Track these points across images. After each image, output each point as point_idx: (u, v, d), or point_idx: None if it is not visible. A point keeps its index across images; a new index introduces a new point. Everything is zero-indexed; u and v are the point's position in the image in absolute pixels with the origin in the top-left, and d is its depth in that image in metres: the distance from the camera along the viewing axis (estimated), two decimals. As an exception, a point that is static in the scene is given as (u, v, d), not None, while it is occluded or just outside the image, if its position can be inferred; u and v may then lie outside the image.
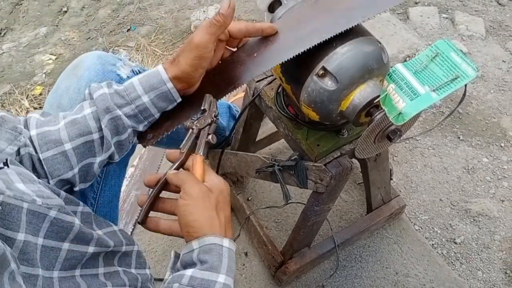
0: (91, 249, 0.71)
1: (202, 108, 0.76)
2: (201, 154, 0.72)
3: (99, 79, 0.84)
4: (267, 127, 1.42)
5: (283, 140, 1.49)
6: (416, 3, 2.31)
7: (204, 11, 2.19)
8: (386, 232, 1.30)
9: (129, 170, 1.47)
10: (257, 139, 1.34)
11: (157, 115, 0.77)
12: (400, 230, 1.30)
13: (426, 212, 1.39)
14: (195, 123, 0.76)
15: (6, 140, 0.47)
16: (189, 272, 0.60)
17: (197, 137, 0.75)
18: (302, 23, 0.79)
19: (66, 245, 0.66)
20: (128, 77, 0.89)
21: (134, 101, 0.74)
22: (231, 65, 0.83)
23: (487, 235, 1.36)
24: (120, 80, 0.88)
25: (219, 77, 0.82)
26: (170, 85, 0.74)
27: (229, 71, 0.82)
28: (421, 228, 1.35)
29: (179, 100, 0.77)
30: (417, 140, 1.58)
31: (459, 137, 1.60)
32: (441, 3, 2.26)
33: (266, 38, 0.81)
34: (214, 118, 0.76)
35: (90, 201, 0.83)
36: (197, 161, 0.71)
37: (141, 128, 0.77)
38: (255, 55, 0.80)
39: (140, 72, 0.94)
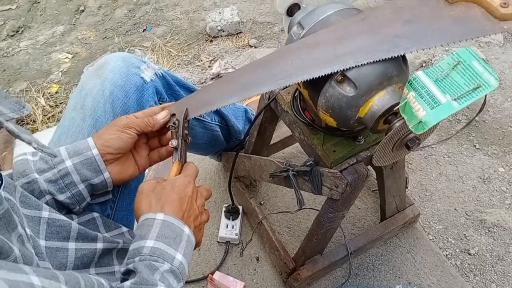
0: (100, 245, 0.72)
1: (176, 118, 0.80)
2: (174, 160, 0.77)
3: (123, 81, 0.85)
4: (281, 130, 1.42)
5: (297, 144, 1.48)
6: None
7: (219, 13, 2.19)
8: (400, 241, 1.28)
9: (142, 171, 1.48)
10: (271, 143, 1.33)
11: (80, 186, 0.73)
12: (413, 239, 1.29)
13: (440, 222, 1.37)
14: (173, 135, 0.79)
15: (9, 108, 0.48)
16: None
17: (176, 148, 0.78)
18: (344, 40, 0.77)
19: (72, 244, 0.68)
20: (151, 80, 0.90)
21: (57, 166, 0.72)
22: (259, 69, 0.82)
23: (502, 246, 1.33)
24: (144, 84, 0.88)
25: (245, 80, 0.82)
26: (95, 151, 0.73)
27: (256, 75, 0.81)
28: (435, 238, 1.33)
29: (106, 173, 0.74)
30: (433, 147, 1.56)
31: (475, 146, 1.57)
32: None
33: (304, 46, 0.79)
34: (186, 129, 0.80)
35: (109, 204, 0.83)
36: (172, 166, 0.77)
37: (61, 197, 0.72)
38: (289, 63, 0.79)
39: (163, 76, 0.95)
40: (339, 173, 0.91)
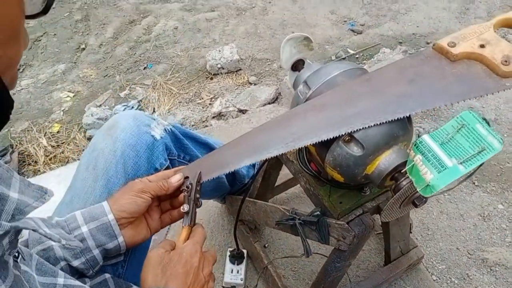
0: None
1: (189, 182, 0.80)
2: (184, 225, 0.77)
3: (134, 141, 0.87)
4: (283, 173, 1.44)
5: (299, 185, 1.50)
6: (427, 43, 2.35)
7: (219, 51, 2.23)
8: (404, 282, 1.30)
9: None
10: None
11: (95, 252, 0.74)
12: (417, 280, 1.30)
13: (443, 261, 1.39)
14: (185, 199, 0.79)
15: (33, 197, 0.49)
16: None
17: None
18: (351, 102, 0.79)
19: None
20: (161, 137, 0.92)
21: (73, 231, 0.73)
22: (268, 132, 0.84)
23: (504, 285, 1.35)
24: (154, 142, 0.90)
25: (256, 142, 0.84)
26: (111, 216, 0.74)
27: (266, 138, 0.83)
28: (439, 278, 1.35)
29: (120, 237, 0.76)
30: (432, 185, 1.59)
31: (474, 183, 1.60)
32: (452, 44, 2.29)
33: (311, 108, 0.82)
34: (198, 193, 0.80)
35: (120, 263, 0.84)
36: (182, 231, 0.77)
37: (76, 263, 0.73)
38: (297, 125, 0.81)
39: (172, 131, 0.97)
40: (347, 225, 0.93)
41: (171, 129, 0.97)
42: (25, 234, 0.74)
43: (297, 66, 1.02)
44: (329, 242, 0.98)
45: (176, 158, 1.00)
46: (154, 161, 0.90)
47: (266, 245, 1.39)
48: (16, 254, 0.57)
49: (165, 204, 0.85)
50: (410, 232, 1.19)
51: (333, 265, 1.01)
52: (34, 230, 0.46)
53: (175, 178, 0.81)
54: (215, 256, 0.78)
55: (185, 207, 0.77)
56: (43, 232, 0.47)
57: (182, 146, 1.02)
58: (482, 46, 0.80)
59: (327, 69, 0.89)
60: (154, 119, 0.94)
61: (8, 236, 0.43)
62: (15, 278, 0.45)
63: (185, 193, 0.79)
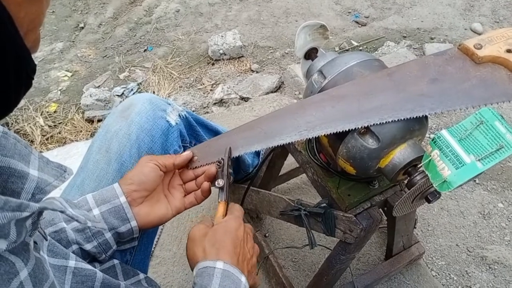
0: None
1: (220, 158, 0.80)
2: (220, 200, 0.77)
3: (149, 125, 0.85)
4: (287, 162, 1.42)
5: (302, 175, 1.48)
6: (431, 39, 2.33)
7: (222, 36, 2.20)
8: (404, 277, 1.29)
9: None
10: (276, 175, 1.34)
11: (107, 235, 0.72)
12: (417, 276, 1.30)
13: (442, 258, 1.39)
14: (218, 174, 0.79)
15: (52, 175, 0.48)
16: None
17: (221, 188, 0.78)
18: (369, 95, 0.78)
19: None
20: (176, 123, 0.90)
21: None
22: (282, 118, 0.82)
23: (503, 284, 1.35)
24: (169, 127, 0.88)
25: (268, 128, 0.82)
26: (123, 199, 0.72)
27: (280, 125, 0.81)
28: (438, 274, 1.35)
29: (133, 221, 0.73)
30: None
31: (475, 180, 1.60)
32: (456, 40, 2.28)
33: (328, 97, 0.80)
34: (229, 168, 0.80)
35: (129, 250, 0.82)
36: (219, 206, 0.77)
37: (88, 247, 0.71)
38: (313, 114, 0.79)
39: (186, 117, 0.95)
40: (354, 218, 0.91)
41: (185, 115, 0.95)
42: None
43: (311, 54, 0.99)
44: (335, 235, 0.97)
45: (188, 145, 0.98)
46: (168, 148, 0.88)
47: (267, 235, 1.38)
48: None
49: (191, 184, 0.83)
50: (415, 228, 1.18)
51: (338, 258, 1.00)
52: (61, 212, 0.44)
53: (185, 153, 0.82)
54: (252, 229, 0.78)
55: (220, 182, 0.77)
56: (70, 213, 0.45)
57: (195, 133, 1.00)
58: (508, 51, 0.78)
59: (343, 59, 0.87)
60: (170, 104, 0.92)
61: (31, 217, 0.41)
62: (36, 261, 0.43)
63: (218, 168, 0.78)
